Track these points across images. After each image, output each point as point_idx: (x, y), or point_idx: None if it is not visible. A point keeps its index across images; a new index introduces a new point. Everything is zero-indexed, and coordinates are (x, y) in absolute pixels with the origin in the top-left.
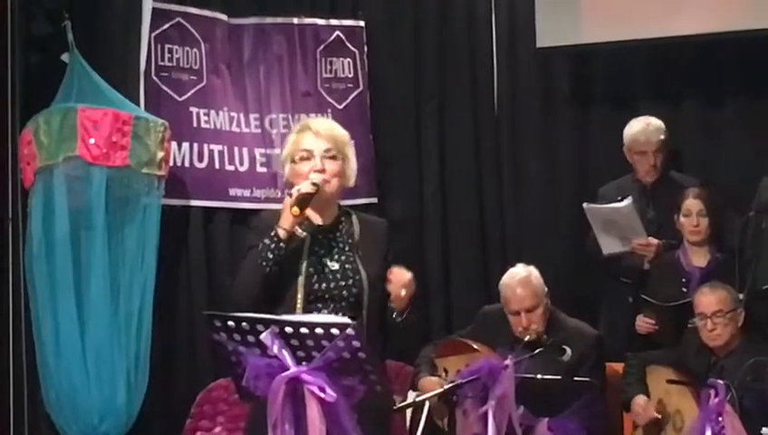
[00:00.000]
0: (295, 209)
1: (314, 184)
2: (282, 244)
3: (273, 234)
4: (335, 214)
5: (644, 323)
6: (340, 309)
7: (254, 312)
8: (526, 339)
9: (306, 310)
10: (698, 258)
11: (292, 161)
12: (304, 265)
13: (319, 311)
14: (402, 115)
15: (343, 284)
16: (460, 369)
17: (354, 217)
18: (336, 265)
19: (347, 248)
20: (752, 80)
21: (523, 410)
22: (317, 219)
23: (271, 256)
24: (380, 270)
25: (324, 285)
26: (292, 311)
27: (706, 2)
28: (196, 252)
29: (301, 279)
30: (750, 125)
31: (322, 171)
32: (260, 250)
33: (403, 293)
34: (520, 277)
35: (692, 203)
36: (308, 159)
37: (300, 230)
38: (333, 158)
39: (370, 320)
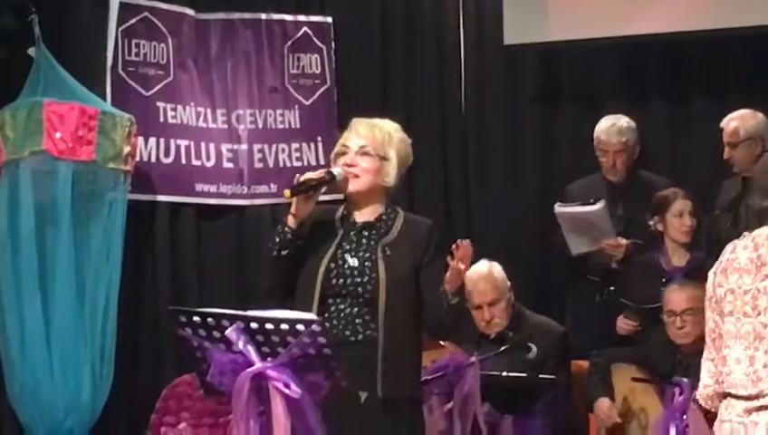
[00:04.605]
0: (286, 192)
1: (329, 172)
2: (287, 228)
3: (284, 219)
4: (378, 212)
5: (625, 324)
6: (356, 305)
7: (273, 297)
8: (491, 337)
9: (322, 304)
10: (678, 258)
11: (337, 157)
12: (326, 259)
13: (336, 305)
14: (369, 112)
15: (359, 280)
16: (426, 365)
17: (399, 217)
18: (356, 262)
19: (374, 245)
20: (718, 79)
21: (489, 407)
22: (359, 217)
23: (277, 240)
24: (409, 271)
25: (342, 280)
26: (310, 303)
27: (674, 1)
28: (162, 247)
29: (320, 273)
30: (717, 125)
31: (351, 166)
32: (272, 235)
33: (462, 266)
34: (481, 272)
35: (684, 203)
36: (344, 153)
37: (337, 225)
38: (367, 154)
39: (390, 318)
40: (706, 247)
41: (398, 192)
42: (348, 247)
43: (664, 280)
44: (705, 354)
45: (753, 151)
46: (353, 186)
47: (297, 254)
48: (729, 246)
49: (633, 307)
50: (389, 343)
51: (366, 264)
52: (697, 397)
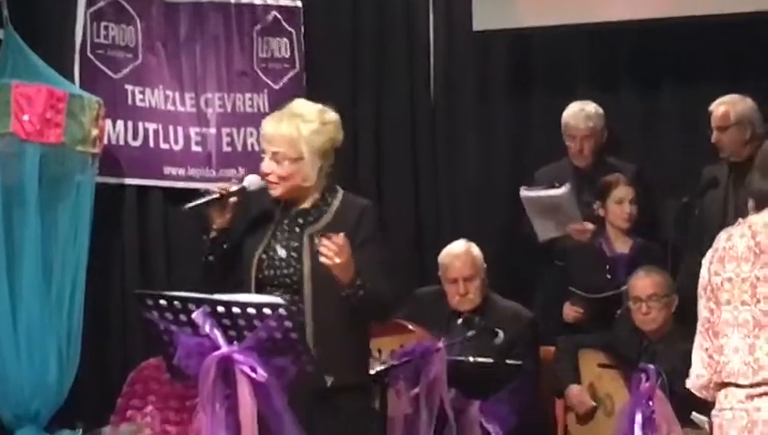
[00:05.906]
0: (183, 208)
1: (239, 186)
2: (204, 237)
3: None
4: (315, 198)
5: (572, 311)
6: (287, 294)
7: (215, 290)
8: (459, 321)
9: (260, 292)
10: (621, 244)
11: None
12: (260, 250)
13: (272, 295)
14: (338, 96)
15: (286, 271)
16: (394, 349)
17: (336, 200)
18: (283, 253)
19: (304, 234)
20: (689, 66)
21: (455, 392)
22: (296, 205)
23: (203, 248)
24: None
25: (272, 271)
26: (248, 292)
27: None
28: (130, 230)
29: (254, 263)
30: (687, 112)
31: (267, 174)
32: None
33: (324, 259)
34: (460, 249)
35: (625, 190)
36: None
37: (277, 214)
38: (279, 160)
39: (318, 308)
40: (674, 234)
41: (367, 179)
42: (279, 237)
43: (608, 267)
44: (696, 344)
45: (742, 136)
46: (273, 192)
47: (239, 244)
48: (723, 234)
49: (580, 295)
50: (321, 332)
51: (292, 254)
52: (689, 386)
